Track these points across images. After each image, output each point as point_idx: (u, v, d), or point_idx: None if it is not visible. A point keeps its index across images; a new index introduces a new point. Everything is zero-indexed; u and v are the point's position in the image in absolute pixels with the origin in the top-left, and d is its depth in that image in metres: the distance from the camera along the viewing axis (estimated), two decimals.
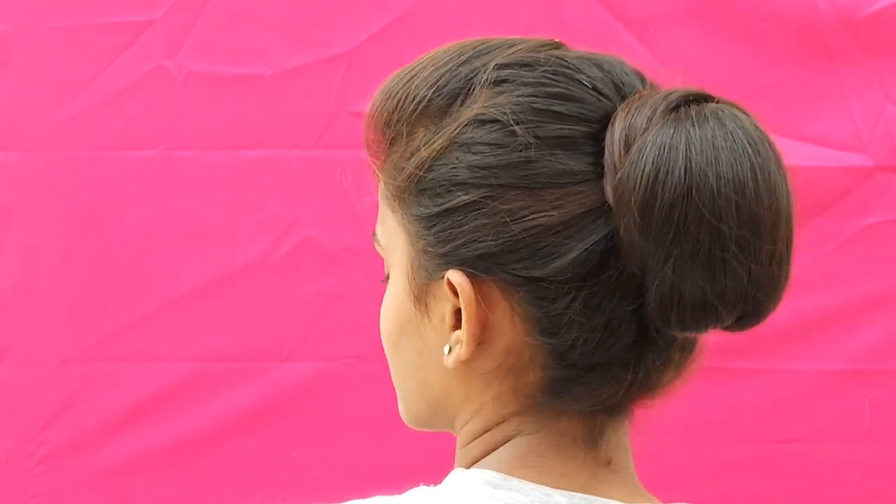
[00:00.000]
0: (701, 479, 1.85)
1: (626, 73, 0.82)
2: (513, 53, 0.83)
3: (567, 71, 0.81)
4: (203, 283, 1.89)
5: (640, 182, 0.75)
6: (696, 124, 0.76)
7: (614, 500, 0.82)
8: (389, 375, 0.93)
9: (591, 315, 0.79)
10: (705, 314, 0.76)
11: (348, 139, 1.85)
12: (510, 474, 0.82)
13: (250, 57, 1.89)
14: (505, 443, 0.83)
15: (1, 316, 1.92)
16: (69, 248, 1.90)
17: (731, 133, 0.76)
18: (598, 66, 0.82)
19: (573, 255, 0.78)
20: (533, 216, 0.79)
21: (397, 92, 0.85)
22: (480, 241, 0.80)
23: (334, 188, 1.85)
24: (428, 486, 0.84)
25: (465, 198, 0.80)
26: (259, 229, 1.90)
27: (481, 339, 0.82)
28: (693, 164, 0.75)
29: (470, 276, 0.81)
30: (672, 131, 0.75)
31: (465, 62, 0.83)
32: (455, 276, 0.81)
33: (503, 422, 0.83)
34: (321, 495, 1.83)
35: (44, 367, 1.91)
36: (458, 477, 0.83)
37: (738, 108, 0.78)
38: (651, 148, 0.75)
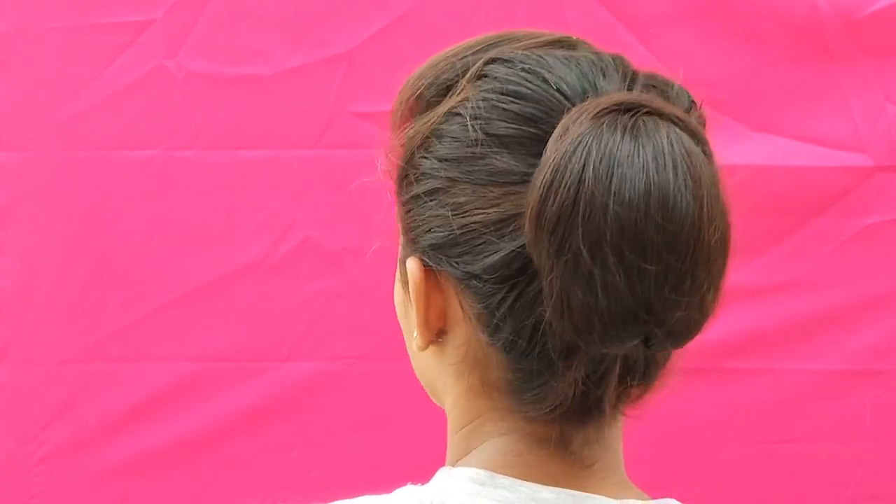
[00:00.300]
0: (701, 479, 1.85)
1: (605, 75, 0.81)
2: (510, 49, 0.83)
3: (538, 70, 0.81)
4: (203, 283, 1.89)
5: (537, 189, 0.75)
6: (603, 135, 0.74)
7: (602, 495, 0.82)
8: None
9: (521, 316, 0.79)
10: (594, 331, 0.75)
11: (348, 139, 1.85)
12: (496, 472, 0.82)
13: (250, 57, 1.89)
14: (484, 442, 0.84)
15: (1, 316, 1.92)
16: (69, 248, 1.90)
17: (640, 147, 0.74)
18: (578, 66, 0.81)
19: (501, 255, 0.79)
20: (473, 212, 0.80)
21: (406, 84, 0.86)
22: (432, 232, 0.81)
23: (334, 188, 1.86)
24: (416, 484, 0.84)
25: (424, 187, 0.82)
26: (259, 229, 1.90)
27: (444, 329, 0.83)
28: (587, 175, 0.73)
29: (426, 265, 0.82)
30: (580, 140, 0.74)
31: (466, 56, 0.84)
32: (410, 263, 0.83)
33: (479, 417, 0.84)
34: (321, 495, 1.83)
35: (44, 367, 1.91)
36: (446, 474, 0.84)
37: (669, 121, 0.76)
38: (554, 156, 0.75)
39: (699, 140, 0.76)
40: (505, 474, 0.82)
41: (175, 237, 1.90)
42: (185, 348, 1.90)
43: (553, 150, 0.75)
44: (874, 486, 1.86)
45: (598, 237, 0.73)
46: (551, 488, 0.81)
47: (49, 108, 1.90)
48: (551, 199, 0.74)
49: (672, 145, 0.74)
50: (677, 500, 0.82)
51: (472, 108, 0.80)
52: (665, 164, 0.74)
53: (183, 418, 1.91)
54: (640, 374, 0.81)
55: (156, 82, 1.89)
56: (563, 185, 0.74)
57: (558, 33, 0.85)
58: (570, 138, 0.75)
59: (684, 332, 0.77)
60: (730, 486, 1.86)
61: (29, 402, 1.91)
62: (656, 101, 0.77)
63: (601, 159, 0.74)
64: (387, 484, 0.88)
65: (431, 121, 0.82)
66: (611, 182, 0.73)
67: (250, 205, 1.90)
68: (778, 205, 1.84)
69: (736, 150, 1.83)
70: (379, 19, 1.87)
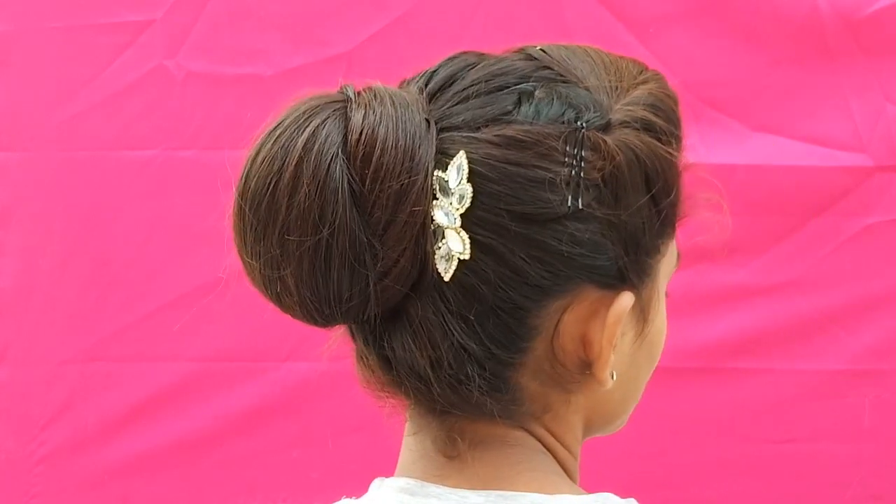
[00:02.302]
0: (701, 479, 1.85)
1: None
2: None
3: None
4: (203, 283, 1.89)
5: None
6: (282, 125, 0.83)
7: (532, 493, 0.80)
8: None
9: None
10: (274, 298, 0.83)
11: None
12: (426, 479, 0.82)
13: (250, 57, 1.89)
14: (406, 443, 0.85)
15: (1, 316, 1.92)
16: (69, 248, 1.90)
17: (283, 145, 0.83)
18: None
19: None
20: None
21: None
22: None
23: None
24: (350, 498, 0.86)
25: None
26: None
27: None
28: (251, 162, 0.83)
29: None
30: (273, 125, 0.83)
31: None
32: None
33: (408, 412, 0.85)
34: (321, 495, 1.83)
35: (44, 367, 1.91)
36: (377, 485, 0.85)
37: (332, 121, 0.79)
38: None
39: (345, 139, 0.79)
40: (437, 481, 0.81)
41: (175, 237, 1.90)
42: (185, 348, 1.90)
43: None
44: (874, 486, 1.86)
45: (243, 215, 0.83)
46: (479, 491, 0.80)
47: (49, 108, 1.90)
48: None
49: (303, 148, 0.81)
50: (637, 499, 0.80)
51: None
52: (284, 162, 0.83)
53: (183, 418, 1.90)
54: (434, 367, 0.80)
55: (156, 82, 1.89)
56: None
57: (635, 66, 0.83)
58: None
59: (298, 311, 0.85)
60: (730, 486, 1.86)
61: (29, 402, 1.91)
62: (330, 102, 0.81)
63: (261, 147, 0.86)
64: None
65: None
66: (251, 171, 0.85)
67: None
68: (778, 205, 1.84)
69: (736, 150, 1.83)
70: (379, 19, 1.87)
